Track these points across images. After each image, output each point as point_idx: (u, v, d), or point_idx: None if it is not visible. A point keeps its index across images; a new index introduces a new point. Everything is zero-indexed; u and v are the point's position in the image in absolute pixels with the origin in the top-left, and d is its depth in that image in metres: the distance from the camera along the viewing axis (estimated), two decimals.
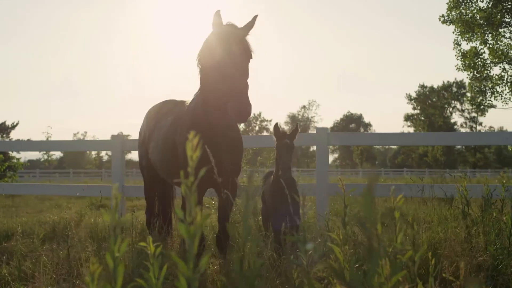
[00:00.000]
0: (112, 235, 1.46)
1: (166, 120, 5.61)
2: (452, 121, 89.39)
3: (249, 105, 4.25)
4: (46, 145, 13.15)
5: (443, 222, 5.61)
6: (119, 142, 8.53)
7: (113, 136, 8.65)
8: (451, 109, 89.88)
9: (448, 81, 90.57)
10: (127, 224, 6.02)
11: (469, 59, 18.72)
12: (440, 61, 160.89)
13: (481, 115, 20.71)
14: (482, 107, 19.65)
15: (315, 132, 7.58)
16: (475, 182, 17.85)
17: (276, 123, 5.29)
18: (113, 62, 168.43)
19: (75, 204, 15.12)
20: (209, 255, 1.63)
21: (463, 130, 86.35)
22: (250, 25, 4.58)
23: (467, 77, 20.00)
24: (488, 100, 19.35)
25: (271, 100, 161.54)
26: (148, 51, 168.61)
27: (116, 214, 1.54)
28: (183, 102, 5.68)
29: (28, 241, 6.75)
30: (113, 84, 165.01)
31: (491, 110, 77.08)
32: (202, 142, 1.48)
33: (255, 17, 4.61)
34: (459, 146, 79.10)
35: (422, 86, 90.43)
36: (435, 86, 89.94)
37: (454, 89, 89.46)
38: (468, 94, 19.73)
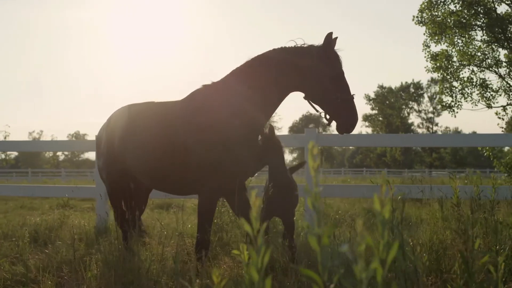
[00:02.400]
0: (255, 244, 1.41)
1: (157, 121, 5.39)
2: (410, 121, 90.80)
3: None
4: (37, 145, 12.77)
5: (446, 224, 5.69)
6: None
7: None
8: (408, 110, 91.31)
9: (406, 82, 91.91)
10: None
11: (440, 61, 19.11)
12: (399, 62, 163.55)
13: (452, 116, 21.21)
14: (452, 108, 20.03)
15: (304, 133, 7.60)
16: (439, 182, 18.19)
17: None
18: (70, 61, 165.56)
19: (40, 205, 14.85)
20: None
21: (420, 130, 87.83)
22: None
23: (438, 77, 20.36)
24: (458, 102, 19.80)
25: None
26: (107, 51, 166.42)
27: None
28: (170, 103, 5.57)
29: (11, 244, 6.58)
30: (68, 83, 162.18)
31: (445, 112, 78.36)
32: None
33: (335, 38, 5.01)
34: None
35: (381, 87, 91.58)
36: (393, 87, 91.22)
37: (412, 90, 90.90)
38: (437, 96, 20.08)
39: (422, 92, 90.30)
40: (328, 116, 5.02)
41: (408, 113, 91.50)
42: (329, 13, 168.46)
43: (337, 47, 5.05)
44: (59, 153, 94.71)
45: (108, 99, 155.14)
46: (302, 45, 5.08)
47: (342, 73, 5.00)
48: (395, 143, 8.33)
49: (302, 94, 5.16)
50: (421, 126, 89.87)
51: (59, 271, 5.13)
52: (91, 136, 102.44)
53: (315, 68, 4.89)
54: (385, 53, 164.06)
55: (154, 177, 5.47)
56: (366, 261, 1.44)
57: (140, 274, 4.50)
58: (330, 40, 4.94)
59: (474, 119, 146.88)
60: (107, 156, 5.92)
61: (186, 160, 5.02)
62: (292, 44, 5.09)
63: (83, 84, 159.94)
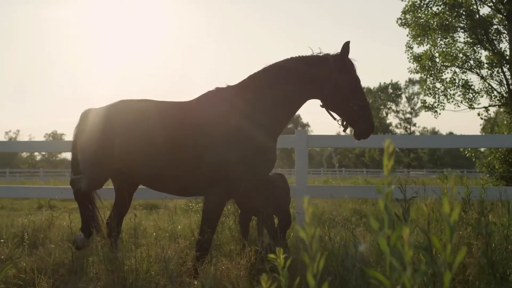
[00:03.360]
0: (309, 250, 1.40)
1: (167, 122, 5.25)
2: (388, 121, 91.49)
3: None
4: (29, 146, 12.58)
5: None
6: None
7: None
8: (386, 110, 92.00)
9: (384, 83, 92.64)
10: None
11: (424, 62, 19.30)
12: (378, 62, 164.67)
13: (435, 117, 21.37)
14: (434, 109, 20.22)
15: (294, 135, 7.61)
16: (420, 183, 18.29)
17: None
18: (46, 60, 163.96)
19: (21, 205, 14.69)
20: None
21: (398, 131, 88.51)
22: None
23: (421, 78, 20.54)
24: (441, 103, 20.00)
25: None
26: (84, 50, 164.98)
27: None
28: (180, 103, 5.48)
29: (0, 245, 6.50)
30: (45, 83, 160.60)
31: (422, 112, 79.77)
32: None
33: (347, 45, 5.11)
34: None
35: None
36: (372, 88, 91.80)
37: (390, 91, 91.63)
38: (421, 97, 20.23)
39: (400, 92, 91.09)
40: (344, 123, 5.14)
41: (387, 114, 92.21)
42: (308, 13, 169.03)
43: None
44: (36, 153, 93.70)
45: (85, 99, 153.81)
46: (319, 54, 5.18)
47: (359, 80, 5.14)
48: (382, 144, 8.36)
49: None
50: (399, 126, 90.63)
51: (54, 273, 5.07)
52: (69, 136, 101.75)
53: (334, 77, 5.01)
54: (364, 53, 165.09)
55: (160, 178, 5.35)
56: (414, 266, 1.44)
57: (138, 276, 4.47)
58: (347, 49, 5.07)
59: (451, 119, 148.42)
60: (99, 153, 5.60)
61: (200, 163, 4.98)
62: (308, 53, 5.19)
63: (60, 83, 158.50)
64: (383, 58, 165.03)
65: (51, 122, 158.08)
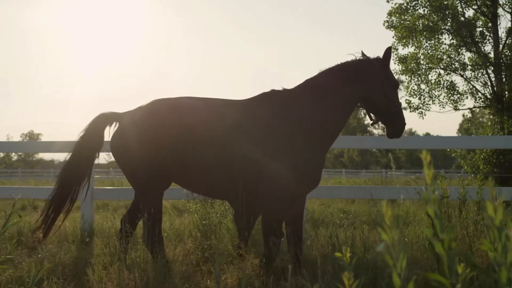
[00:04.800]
0: (392, 250, 1.42)
1: (227, 123, 5.05)
2: (366, 122, 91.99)
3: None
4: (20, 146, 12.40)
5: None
6: None
7: None
8: (364, 111, 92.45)
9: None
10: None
11: (409, 63, 19.49)
12: None
13: (421, 118, 21.64)
14: (419, 110, 20.41)
15: None
16: (403, 183, 18.46)
17: None
18: (22, 59, 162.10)
19: (3, 206, 14.50)
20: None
21: (376, 131, 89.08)
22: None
23: (405, 80, 20.73)
24: (426, 104, 20.21)
25: None
26: (61, 50, 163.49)
27: None
28: (236, 103, 5.31)
29: None
30: (21, 83, 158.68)
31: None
32: None
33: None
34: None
35: None
36: None
37: None
38: (407, 98, 20.33)
39: None
40: (379, 123, 5.46)
41: (365, 114, 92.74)
42: (284, 12, 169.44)
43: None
44: (12, 153, 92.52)
45: (62, 99, 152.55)
46: (362, 58, 5.39)
47: (398, 84, 5.41)
48: (381, 144, 8.47)
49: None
50: (376, 127, 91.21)
51: (62, 274, 5.01)
52: (46, 136, 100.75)
53: (380, 81, 5.24)
54: (345, 54, 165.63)
55: (215, 184, 5.17)
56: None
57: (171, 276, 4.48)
58: (389, 54, 5.37)
59: (427, 120, 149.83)
60: (149, 153, 5.12)
61: (262, 169, 4.93)
62: (351, 58, 5.38)
63: (37, 83, 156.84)
64: None
65: (27, 123, 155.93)
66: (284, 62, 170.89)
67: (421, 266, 5.09)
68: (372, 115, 5.42)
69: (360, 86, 5.22)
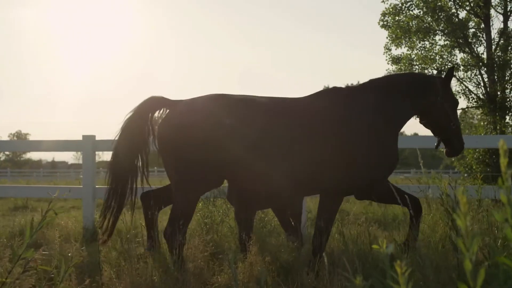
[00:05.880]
0: (464, 237, 1.46)
1: (304, 121, 4.94)
2: None
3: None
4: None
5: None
6: (90, 143, 8.23)
7: (84, 136, 8.34)
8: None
9: (351, 83, 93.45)
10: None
11: (403, 65, 19.62)
12: (345, 63, 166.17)
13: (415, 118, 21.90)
14: None
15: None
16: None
17: None
18: (11, 60, 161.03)
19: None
20: None
21: None
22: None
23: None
24: None
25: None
26: (47, 50, 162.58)
27: None
28: (304, 100, 5.28)
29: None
30: (8, 83, 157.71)
31: None
32: None
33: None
34: None
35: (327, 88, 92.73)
36: None
37: None
38: None
39: None
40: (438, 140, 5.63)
41: None
42: (275, 14, 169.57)
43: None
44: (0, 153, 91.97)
45: (50, 99, 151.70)
46: (428, 74, 5.76)
47: (458, 103, 5.60)
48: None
49: None
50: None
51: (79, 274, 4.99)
52: (34, 136, 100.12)
53: (440, 98, 5.37)
54: (332, 54, 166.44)
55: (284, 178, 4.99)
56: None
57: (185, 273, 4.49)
58: (452, 73, 5.57)
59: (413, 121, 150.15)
60: (211, 152, 4.83)
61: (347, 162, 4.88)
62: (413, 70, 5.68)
63: (25, 83, 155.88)
64: (351, 59, 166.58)
65: (15, 122, 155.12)
66: (272, 62, 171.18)
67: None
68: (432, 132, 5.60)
69: (422, 99, 5.35)
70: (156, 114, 5.28)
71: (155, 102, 5.25)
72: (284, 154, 4.83)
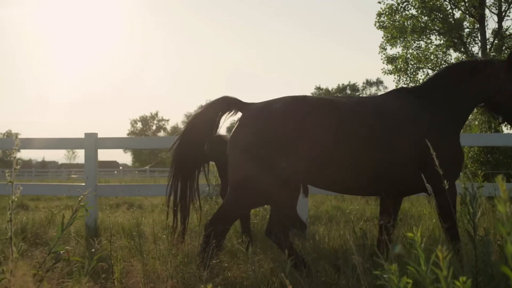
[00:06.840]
0: (506, 225, 1.51)
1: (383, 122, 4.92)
2: None
3: None
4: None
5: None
6: (92, 140, 8.25)
7: (86, 134, 8.35)
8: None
9: (343, 84, 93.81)
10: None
11: (399, 64, 19.71)
12: (336, 63, 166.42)
13: None
14: None
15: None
16: None
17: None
18: (6, 59, 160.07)
19: None
20: None
21: None
22: None
23: (393, 81, 21.05)
24: None
25: (168, 100, 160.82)
26: (37, 49, 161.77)
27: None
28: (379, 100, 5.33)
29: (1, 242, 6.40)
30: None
31: None
32: None
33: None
34: None
35: (318, 88, 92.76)
36: (330, 89, 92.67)
37: (348, 92, 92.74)
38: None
39: (358, 93, 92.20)
40: (506, 123, 5.62)
41: None
42: (264, 14, 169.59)
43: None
44: None
45: (40, 99, 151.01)
46: (483, 59, 5.59)
47: None
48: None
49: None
50: None
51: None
52: (24, 135, 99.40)
53: (502, 82, 5.31)
54: (323, 54, 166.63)
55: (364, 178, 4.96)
56: None
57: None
58: None
59: None
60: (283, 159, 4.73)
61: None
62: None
63: (15, 83, 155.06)
64: (342, 59, 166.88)
65: (4, 122, 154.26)
66: (261, 62, 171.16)
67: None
68: (497, 116, 5.60)
69: (482, 84, 5.30)
70: (226, 114, 5.15)
71: (228, 102, 5.13)
72: (369, 156, 4.81)
